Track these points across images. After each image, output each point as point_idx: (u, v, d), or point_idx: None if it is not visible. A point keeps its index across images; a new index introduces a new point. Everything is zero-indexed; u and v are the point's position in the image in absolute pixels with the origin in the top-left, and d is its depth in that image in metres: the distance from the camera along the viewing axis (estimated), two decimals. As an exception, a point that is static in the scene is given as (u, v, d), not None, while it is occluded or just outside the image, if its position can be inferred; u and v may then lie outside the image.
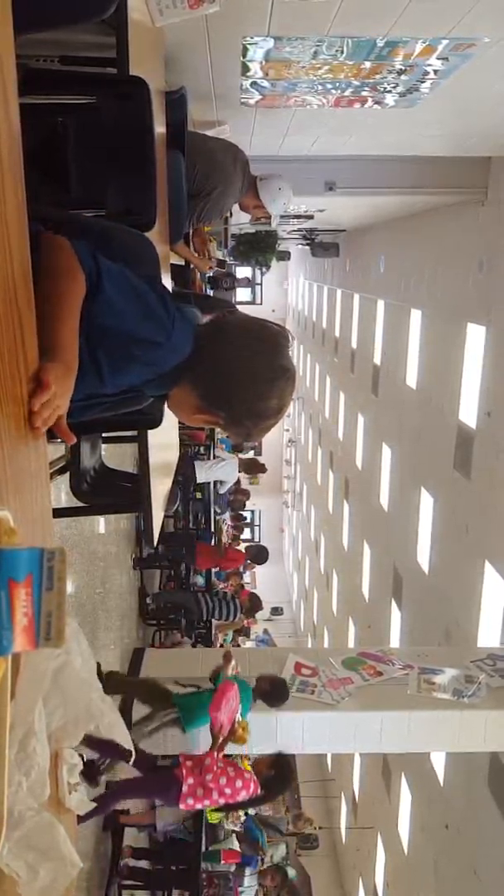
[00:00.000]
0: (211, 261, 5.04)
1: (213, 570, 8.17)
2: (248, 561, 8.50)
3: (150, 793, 4.15)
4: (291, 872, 7.99)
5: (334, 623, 14.26)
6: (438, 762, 7.02)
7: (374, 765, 9.93)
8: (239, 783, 3.55)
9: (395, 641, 8.93)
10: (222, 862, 5.55)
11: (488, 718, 4.65)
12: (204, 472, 7.21)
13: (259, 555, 7.94)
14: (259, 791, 3.63)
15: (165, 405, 1.39)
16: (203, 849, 5.14)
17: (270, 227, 4.15)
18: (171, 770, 3.74)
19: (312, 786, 14.27)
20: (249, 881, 5.79)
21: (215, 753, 3.68)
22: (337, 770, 13.14)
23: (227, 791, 3.53)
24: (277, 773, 3.87)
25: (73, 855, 0.86)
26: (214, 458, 7.76)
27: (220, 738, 3.75)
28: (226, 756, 3.90)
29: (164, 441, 2.59)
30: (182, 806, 3.63)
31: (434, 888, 7.30)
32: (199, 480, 7.24)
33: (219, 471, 7.46)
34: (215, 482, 7.72)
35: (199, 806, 3.67)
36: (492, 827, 5.59)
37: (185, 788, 3.55)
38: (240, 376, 1.26)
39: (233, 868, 5.48)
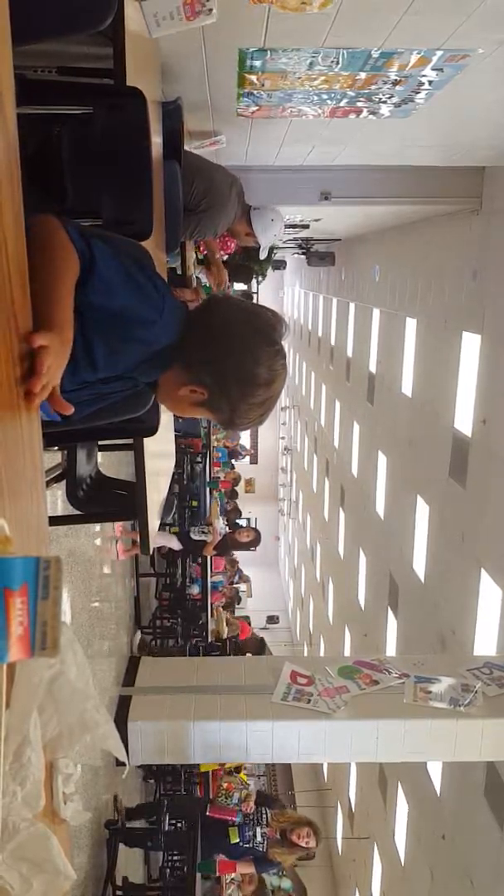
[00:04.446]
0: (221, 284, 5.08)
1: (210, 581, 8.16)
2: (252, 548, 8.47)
3: None
4: (287, 884, 7.93)
5: (330, 631, 14.23)
6: (435, 772, 6.99)
7: (370, 774, 9.88)
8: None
9: (390, 649, 8.91)
10: (217, 873, 5.50)
11: (485, 727, 4.63)
12: (197, 534, 7.30)
13: (260, 648, 7.90)
14: None
15: (158, 402, 1.39)
16: (198, 859, 5.10)
17: (260, 255, 4.22)
18: None
19: (308, 795, 14.19)
20: None
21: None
22: (333, 780, 13.07)
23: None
24: None
25: (67, 867, 0.85)
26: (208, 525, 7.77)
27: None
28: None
29: (160, 449, 2.59)
30: None
31: (431, 899, 7.25)
32: (192, 537, 7.36)
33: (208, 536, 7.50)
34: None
35: None
36: (488, 837, 5.56)
37: None
38: (227, 341, 1.23)
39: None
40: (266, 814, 4.47)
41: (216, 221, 3.36)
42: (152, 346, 1.23)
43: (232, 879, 5.68)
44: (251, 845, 4.43)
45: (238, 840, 4.41)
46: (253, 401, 1.26)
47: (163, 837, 4.90)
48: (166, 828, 4.80)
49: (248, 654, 7.71)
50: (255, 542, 8.31)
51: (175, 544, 7.01)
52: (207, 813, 4.49)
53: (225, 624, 8.24)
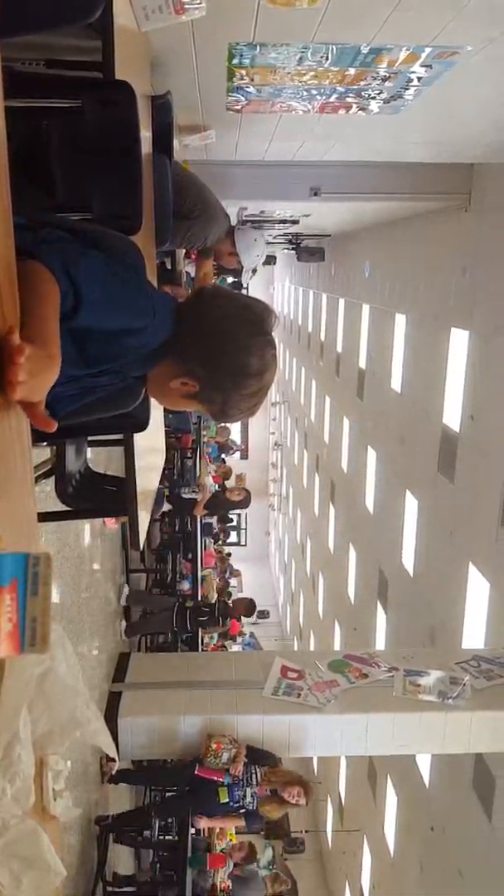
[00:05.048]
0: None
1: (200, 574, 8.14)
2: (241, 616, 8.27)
3: None
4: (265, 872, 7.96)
5: (320, 626, 14.29)
6: (424, 764, 7.05)
7: (360, 768, 9.95)
8: None
9: (380, 644, 8.96)
10: (208, 868, 5.53)
11: (473, 720, 4.68)
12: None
13: (249, 608, 7.83)
14: None
15: (148, 395, 1.38)
16: (189, 853, 5.12)
17: (241, 281, 4.23)
18: None
19: (298, 789, 14.24)
20: None
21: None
22: (323, 773, 13.14)
23: None
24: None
25: (57, 863, 0.86)
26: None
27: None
28: None
29: (151, 445, 2.59)
30: None
31: (420, 889, 7.32)
32: (183, 496, 7.29)
33: None
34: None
35: None
36: (476, 828, 5.62)
37: None
38: (217, 331, 1.23)
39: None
40: (256, 773, 4.45)
41: (207, 230, 3.41)
42: (145, 348, 1.23)
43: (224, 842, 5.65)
44: (241, 804, 4.39)
45: (228, 800, 4.39)
46: (245, 391, 1.25)
47: (153, 844, 4.92)
48: (155, 836, 4.82)
49: (240, 616, 7.69)
50: (246, 501, 8.29)
51: (164, 505, 6.93)
52: (196, 772, 4.46)
53: (213, 589, 8.18)
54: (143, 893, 5.01)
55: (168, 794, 5.23)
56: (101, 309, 1.12)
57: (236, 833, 5.69)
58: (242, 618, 8.17)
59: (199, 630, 6.89)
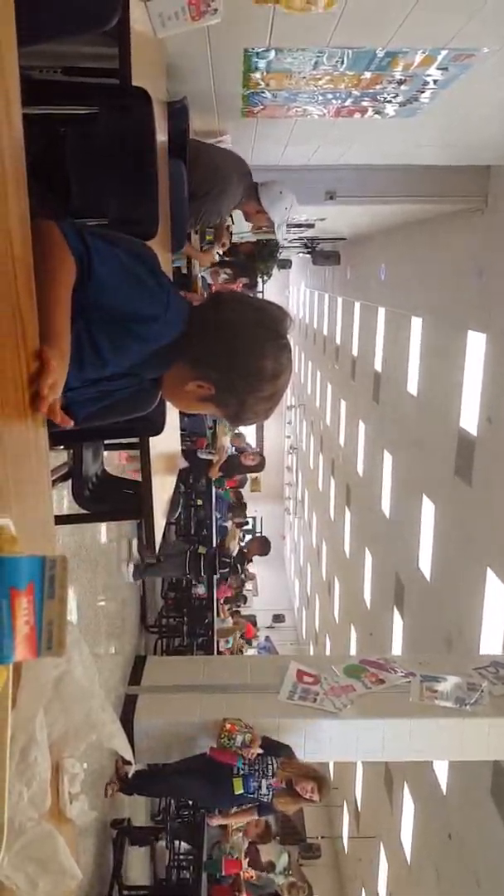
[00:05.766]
0: (223, 246, 4.94)
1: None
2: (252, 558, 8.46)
3: None
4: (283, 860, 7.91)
5: (336, 630, 14.21)
6: (441, 770, 6.98)
7: (377, 773, 9.87)
8: None
9: (396, 649, 8.90)
10: (224, 873, 5.51)
11: (491, 726, 4.62)
12: None
13: (264, 547, 7.98)
14: None
15: (164, 398, 1.38)
16: (205, 857, 5.11)
17: (275, 237, 4.03)
18: None
19: (314, 795, 14.16)
20: None
21: None
22: (339, 779, 13.06)
23: None
24: None
25: (73, 867, 0.86)
26: None
27: None
28: None
29: (167, 449, 2.60)
30: None
31: (437, 899, 7.24)
32: (199, 456, 7.29)
33: None
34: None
35: None
36: (494, 835, 5.55)
37: None
38: (233, 334, 1.23)
39: None
40: (273, 763, 4.34)
41: (220, 205, 3.27)
42: (158, 342, 1.23)
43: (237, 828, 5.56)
44: (255, 797, 4.23)
45: (243, 791, 4.22)
46: (260, 394, 1.25)
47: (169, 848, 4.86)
48: (175, 852, 4.75)
49: (255, 556, 7.77)
50: (260, 465, 8.19)
51: (181, 462, 6.92)
52: (208, 753, 4.40)
53: (235, 539, 8.16)
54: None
55: (181, 796, 5.10)
56: (112, 284, 1.13)
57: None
58: (256, 557, 8.27)
59: (213, 578, 6.87)
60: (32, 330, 0.91)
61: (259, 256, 6.81)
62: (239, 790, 4.22)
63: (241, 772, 4.25)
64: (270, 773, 4.25)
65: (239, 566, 6.99)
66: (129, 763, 4.35)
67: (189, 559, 6.33)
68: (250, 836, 5.44)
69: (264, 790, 4.21)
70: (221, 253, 4.88)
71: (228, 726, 4.35)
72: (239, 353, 1.23)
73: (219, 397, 1.26)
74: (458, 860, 6.50)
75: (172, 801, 5.60)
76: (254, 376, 1.23)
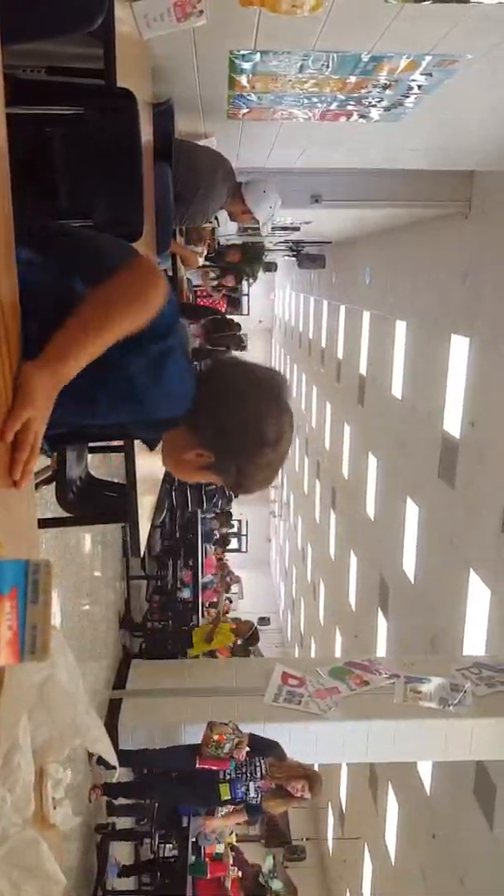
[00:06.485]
0: (204, 249, 4.92)
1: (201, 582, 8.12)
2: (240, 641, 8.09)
3: None
4: (278, 885, 7.92)
5: (321, 632, 14.24)
6: (425, 771, 7.01)
7: (361, 775, 9.90)
8: None
9: (381, 650, 8.93)
10: (209, 876, 5.48)
11: (474, 727, 4.66)
12: None
13: (252, 636, 7.68)
14: None
15: (162, 463, 1.35)
16: (190, 861, 5.08)
17: (261, 235, 4.02)
18: None
19: (299, 797, 14.16)
20: None
21: None
22: (324, 781, 13.07)
23: None
24: None
25: (57, 872, 0.85)
26: None
27: None
28: None
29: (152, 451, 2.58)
30: None
31: (421, 899, 7.27)
32: None
33: None
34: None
35: None
36: (478, 835, 5.59)
37: None
38: (235, 402, 1.22)
39: None
40: (261, 765, 4.23)
41: (206, 205, 3.27)
42: (160, 416, 1.21)
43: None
44: (244, 801, 4.10)
45: (230, 797, 4.09)
46: (260, 461, 1.24)
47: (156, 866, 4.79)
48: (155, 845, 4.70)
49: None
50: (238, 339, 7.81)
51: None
52: (197, 764, 4.22)
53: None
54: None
55: (165, 790, 4.94)
56: (164, 375, 1.10)
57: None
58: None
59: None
60: (15, 338, 0.90)
61: (245, 260, 6.82)
62: (226, 796, 4.10)
63: (228, 776, 4.16)
64: (259, 776, 4.14)
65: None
66: (113, 767, 4.32)
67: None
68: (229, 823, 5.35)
69: (252, 793, 4.08)
70: (205, 255, 4.89)
71: (216, 737, 4.24)
72: (241, 421, 1.22)
73: (219, 465, 1.24)
74: (442, 860, 6.54)
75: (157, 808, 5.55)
76: (255, 443, 1.22)
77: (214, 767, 4.19)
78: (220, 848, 5.41)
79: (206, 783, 4.21)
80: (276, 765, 4.17)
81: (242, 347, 7.53)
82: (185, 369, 1.17)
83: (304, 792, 4.05)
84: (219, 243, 6.90)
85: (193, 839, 4.74)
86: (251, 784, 4.12)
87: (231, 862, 5.57)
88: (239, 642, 7.23)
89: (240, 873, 5.64)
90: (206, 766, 4.20)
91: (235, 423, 1.21)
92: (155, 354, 1.08)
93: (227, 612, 7.73)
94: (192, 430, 1.23)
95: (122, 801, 4.70)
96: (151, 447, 1.35)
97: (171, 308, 1.06)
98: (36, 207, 1.87)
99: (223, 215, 3.64)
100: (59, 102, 1.93)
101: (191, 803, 4.49)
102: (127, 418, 1.22)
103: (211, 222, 3.56)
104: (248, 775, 4.15)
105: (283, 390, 1.26)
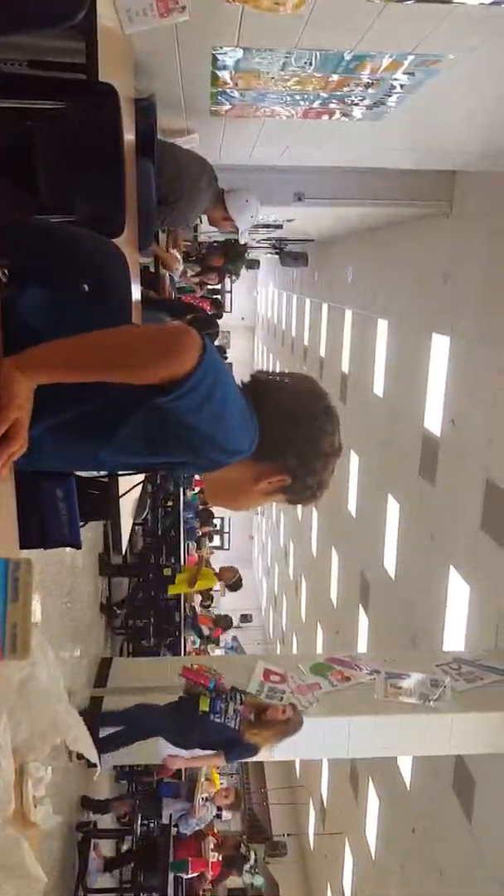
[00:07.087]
0: (178, 259, 4.99)
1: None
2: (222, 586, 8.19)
3: None
4: (259, 880, 7.96)
5: (303, 629, 14.30)
6: (405, 766, 7.08)
7: (343, 770, 9.96)
8: None
9: (362, 647, 8.99)
10: (191, 871, 5.50)
11: (453, 722, 4.71)
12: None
13: (235, 584, 7.75)
14: None
15: (209, 500, 1.32)
16: (171, 858, 5.09)
17: (240, 240, 4.08)
18: None
19: (281, 793, 14.25)
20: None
21: None
22: (305, 777, 13.14)
23: None
24: None
25: (37, 871, 0.85)
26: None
27: None
28: None
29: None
30: None
31: (401, 890, 7.35)
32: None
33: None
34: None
35: None
36: (457, 829, 5.66)
37: None
38: (292, 421, 1.19)
39: None
40: (241, 695, 4.15)
41: (188, 211, 3.29)
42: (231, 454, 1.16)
43: (205, 798, 5.36)
44: (222, 720, 4.03)
45: (208, 710, 4.03)
46: (331, 468, 1.26)
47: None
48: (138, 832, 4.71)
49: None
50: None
51: None
52: (180, 674, 4.22)
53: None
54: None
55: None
56: (217, 411, 1.07)
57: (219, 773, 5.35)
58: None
59: None
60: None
61: (227, 258, 6.81)
62: (205, 707, 4.05)
63: (211, 694, 4.12)
64: (238, 701, 4.11)
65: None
66: (94, 765, 4.28)
67: None
68: (218, 803, 5.37)
69: (230, 713, 4.05)
70: (180, 257, 4.90)
71: (196, 667, 4.24)
72: (308, 435, 1.21)
73: (297, 484, 1.23)
74: (421, 853, 6.61)
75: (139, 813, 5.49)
76: (326, 455, 1.23)
77: (196, 679, 4.18)
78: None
79: (186, 704, 4.18)
80: (254, 702, 4.17)
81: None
82: (244, 407, 1.14)
83: (285, 714, 4.01)
84: (201, 244, 6.88)
85: (174, 824, 4.74)
86: (231, 704, 4.08)
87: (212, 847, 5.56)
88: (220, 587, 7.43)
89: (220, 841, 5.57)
90: (190, 676, 4.18)
91: (305, 439, 1.20)
92: (216, 406, 1.06)
93: (208, 560, 7.75)
94: (263, 460, 1.19)
95: (107, 730, 4.54)
96: (182, 485, 1.32)
97: (207, 364, 1.01)
98: (17, 202, 1.85)
99: (204, 220, 3.65)
100: (41, 96, 1.92)
101: (169, 726, 4.34)
102: (173, 457, 1.18)
103: (191, 227, 3.57)
104: (230, 698, 4.13)
105: (324, 391, 1.26)
